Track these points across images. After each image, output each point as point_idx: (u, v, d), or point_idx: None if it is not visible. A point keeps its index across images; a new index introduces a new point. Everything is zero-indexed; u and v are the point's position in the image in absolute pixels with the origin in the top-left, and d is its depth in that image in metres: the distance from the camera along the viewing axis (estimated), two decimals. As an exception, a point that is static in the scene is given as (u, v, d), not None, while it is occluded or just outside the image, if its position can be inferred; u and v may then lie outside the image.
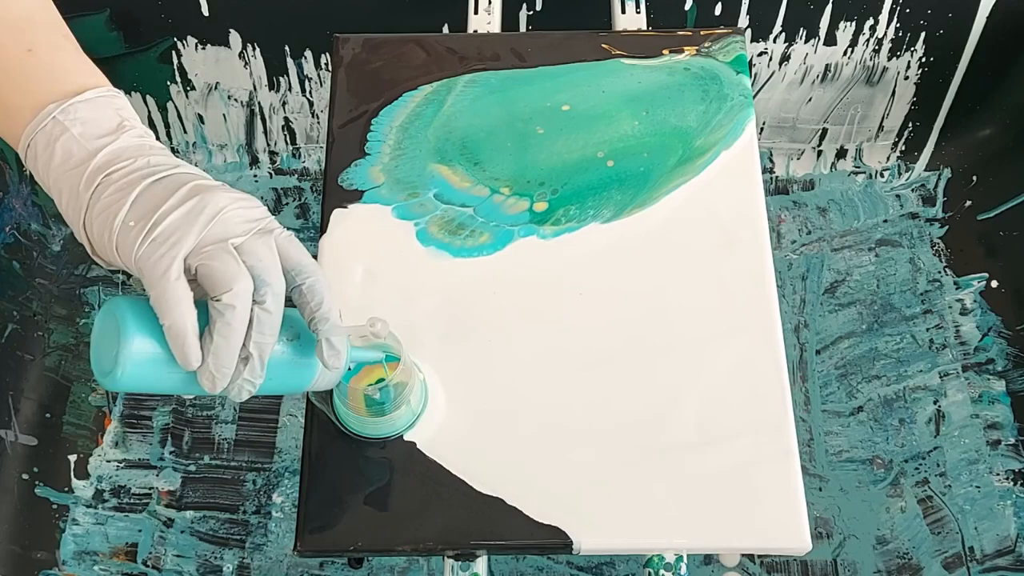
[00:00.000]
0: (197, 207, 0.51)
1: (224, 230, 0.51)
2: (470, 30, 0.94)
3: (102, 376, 0.52)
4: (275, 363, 0.55)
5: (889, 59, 1.24)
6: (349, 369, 0.68)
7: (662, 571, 0.67)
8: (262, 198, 1.33)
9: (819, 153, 1.35)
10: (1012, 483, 1.14)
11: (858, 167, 1.35)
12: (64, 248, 1.28)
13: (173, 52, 1.23)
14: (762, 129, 1.33)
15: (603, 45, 0.86)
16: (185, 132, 1.32)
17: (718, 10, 1.18)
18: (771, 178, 1.35)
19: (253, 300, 0.51)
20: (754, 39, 1.22)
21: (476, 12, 0.95)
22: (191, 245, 0.51)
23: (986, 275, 1.26)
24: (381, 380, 0.65)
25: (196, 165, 1.37)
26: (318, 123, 1.32)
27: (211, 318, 0.51)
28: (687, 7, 1.17)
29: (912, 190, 1.33)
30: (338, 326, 0.56)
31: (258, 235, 0.53)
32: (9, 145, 0.57)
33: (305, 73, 1.26)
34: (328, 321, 0.55)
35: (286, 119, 1.32)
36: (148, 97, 1.28)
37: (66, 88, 0.55)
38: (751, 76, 1.11)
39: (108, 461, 1.18)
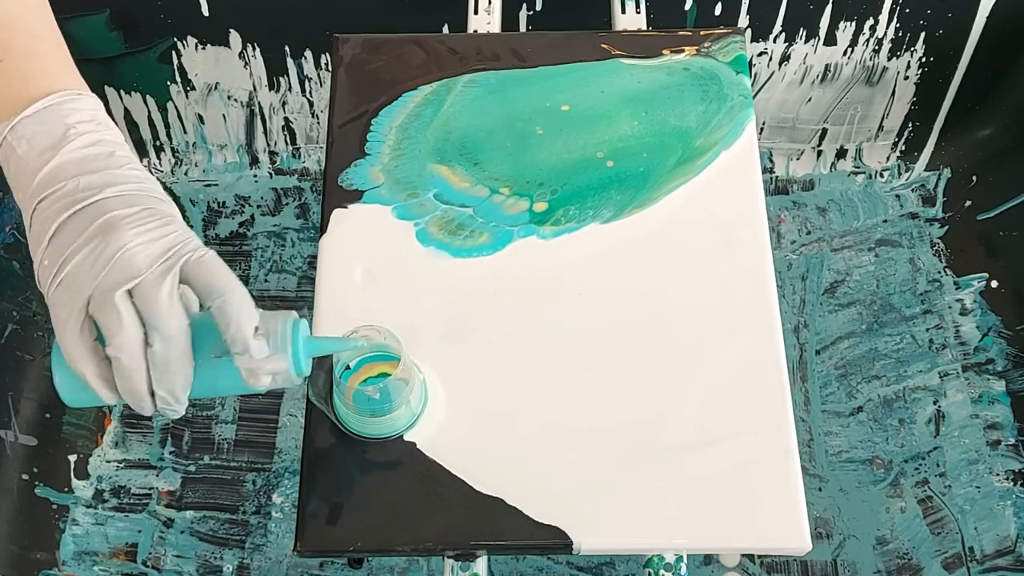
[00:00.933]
0: (97, 250, 0.51)
1: (120, 274, 0.51)
2: (470, 30, 0.94)
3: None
4: (212, 373, 0.55)
5: (889, 59, 1.24)
6: (348, 368, 0.68)
7: (662, 571, 0.67)
8: (262, 198, 1.33)
9: (819, 153, 1.35)
10: (1012, 483, 1.14)
11: (858, 167, 1.35)
12: (64, 248, 1.28)
13: (173, 52, 1.23)
14: (762, 129, 1.33)
15: (603, 45, 0.86)
16: (185, 132, 1.32)
17: (718, 10, 1.18)
18: (771, 178, 1.35)
19: (146, 343, 0.52)
20: (754, 39, 1.22)
21: (476, 12, 0.95)
22: (88, 293, 0.51)
23: (986, 275, 1.26)
24: (380, 377, 0.66)
25: (196, 165, 1.38)
26: (318, 123, 1.32)
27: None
28: (687, 7, 1.17)
29: (912, 190, 1.33)
30: (248, 345, 0.53)
31: (159, 274, 0.52)
32: None
33: (305, 73, 1.26)
34: (236, 343, 0.53)
35: (286, 119, 1.32)
36: (148, 97, 1.28)
37: (24, 98, 0.55)
38: (751, 76, 1.11)
39: (108, 461, 1.18)
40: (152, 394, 0.53)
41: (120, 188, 0.54)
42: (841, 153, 1.35)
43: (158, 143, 1.33)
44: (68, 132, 0.54)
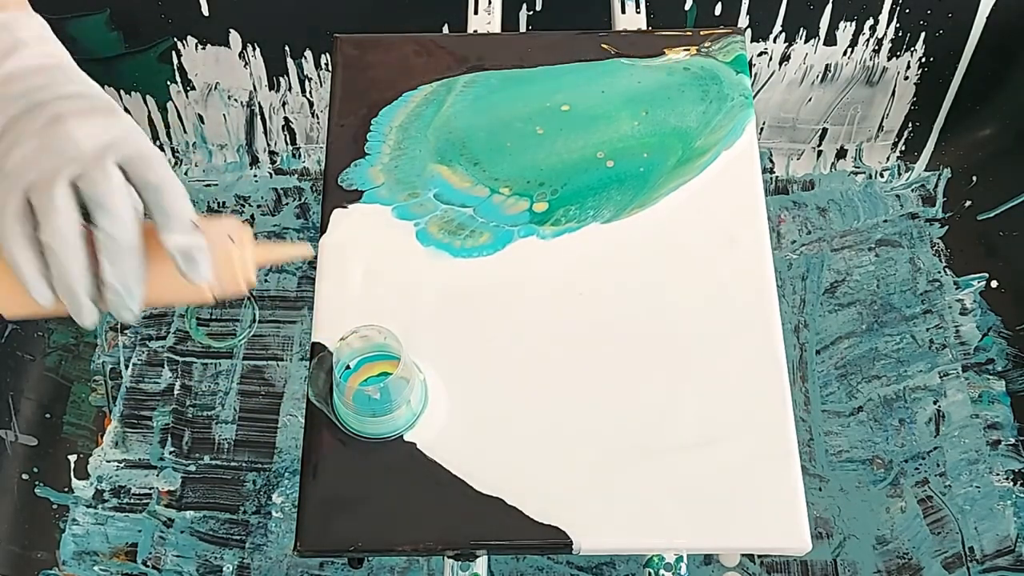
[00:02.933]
0: (43, 140, 0.51)
1: (62, 160, 0.51)
2: (470, 30, 0.94)
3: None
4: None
5: (889, 59, 1.24)
6: (348, 368, 0.68)
7: (662, 571, 0.67)
8: (262, 198, 1.33)
9: (819, 153, 1.35)
10: (1012, 483, 1.14)
11: (858, 167, 1.35)
12: (64, 248, 1.28)
13: (173, 52, 1.23)
14: (762, 129, 1.33)
15: (603, 45, 0.86)
16: (185, 132, 1.32)
17: (718, 10, 1.18)
18: (771, 178, 1.35)
19: (95, 226, 0.51)
20: (754, 39, 1.22)
21: (476, 12, 0.95)
22: (30, 179, 0.51)
23: (986, 275, 1.26)
24: (380, 377, 0.66)
25: (196, 165, 1.38)
26: (318, 123, 1.32)
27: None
28: (687, 7, 1.17)
29: (912, 190, 1.33)
30: (188, 238, 0.53)
31: (101, 159, 0.52)
32: None
33: (305, 73, 1.26)
34: (172, 232, 0.53)
35: (286, 119, 1.32)
36: (148, 97, 1.28)
37: None
38: (751, 76, 1.11)
39: (108, 461, 1.18)
40: (91, 295, 0.52)
41: (70, 88, 0.54)
42: (841, 153, 1.35)
43: (158, 143, 1.33)
44: (16, 44, 0.55)
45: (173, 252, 0.53)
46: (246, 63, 1.24)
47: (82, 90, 0.55)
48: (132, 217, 0.52)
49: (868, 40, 1.22)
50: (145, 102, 1.28)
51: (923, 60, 1.24)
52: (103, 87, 1.34)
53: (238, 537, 1.14)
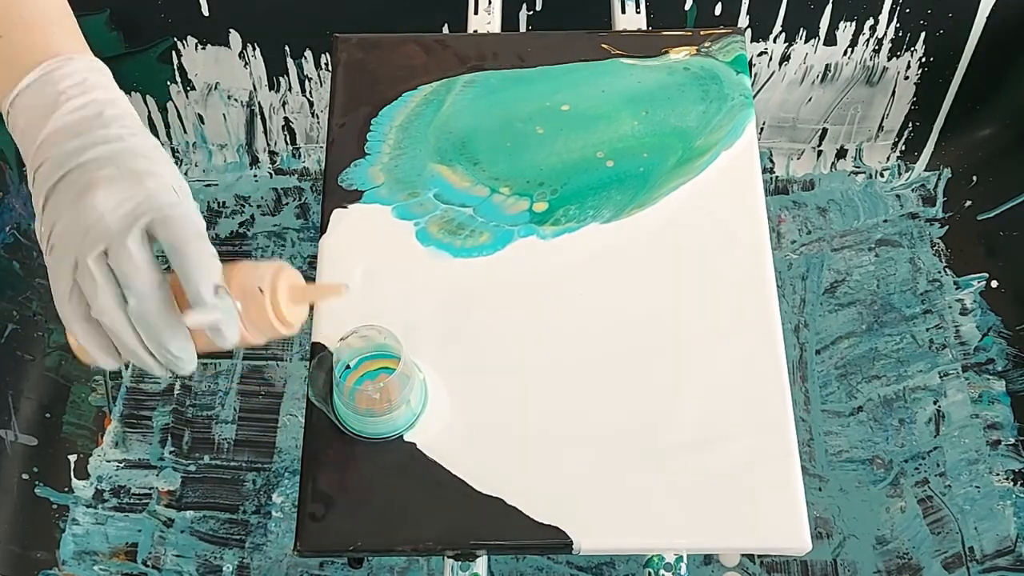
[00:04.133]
0: (79, 215, 0.52)
1: (96, 239, 0.52)
2: (470, 30, 0.94)
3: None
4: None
5: (889, 59, 1.24)
6: (348, 368, 0.68)
7: (662, 571, 0.67)
8: (262, 198, 1.33)
9: (819, 153, 1.35)
10: (1012, 483, 1.14)
11: (858, 167, 1.35)
12: (64, 248, 1.28)
13: (173, 52, 1.23)
14: (762, 129, 1.33)
15: (603, 45, 0.86)
16: (185, 132, 1.32)
17: (718, 10, 1.18)
18: (771, 178, 1.35)
19: (125, 301, 0.52)
20: (754, 39, 1.22)
21: (476, 12, 0.95)
22: (72, 262, 0.52)
23: (986, 275, 1.26)
24: (382, 372, 0.66)
25: (196, 165, 1.38)
26: (318, 123, 1.32)
27: None
28: (687, 7, 1.17)
29: (912, 190, 1.33)
30: (206, 307, 0.53)
31: (123, 233, 0.52)
32: (8, 144, 0.57)
33: (305, 73, 1.26)
34: (197, 302, 0.53)
35: (286, 119, 1.32)
36: (148, 97, 1.28)
37: (18, 74, 0.56)
38: (751, 76, 1.11)
39: (108, 461, 1.18)
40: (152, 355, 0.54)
41: (100, 150, 0.54)
42: (841, 153, 1.35)
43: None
44: (58, 99, 0.55)
45: (195, 326, 0.54)
46: (246, 63, 1.24)
47: (112, 150, 0.54)
48: (157, 289, 0.53)
49: (868, 40, 1.22)
50: (145, 102, 1.28)
51: (923, 60, 1.24)
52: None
53: (238, 537, 1.14)
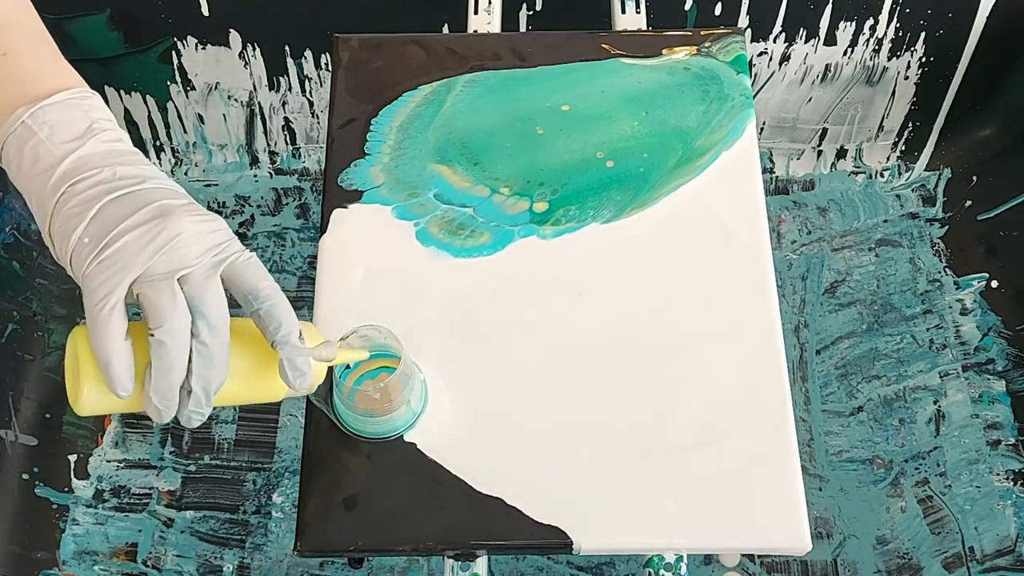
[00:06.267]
0: (153, 231, 0.51)
1: (175, 260, 0.51)
2: (470, 30, 0.94)
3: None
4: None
5: (889, 59, 1.24)
6: (347, 368, 0.68)
7: (662, 571, 0.67)
8: (262, 198, 1.33)
9: (819, 153, 1.35)
10: (1012, 483, 1.14)
11: (858, 167, 1.35)
12: (64, 248, 1.28)
13: (173, 52, 1.23)
14: (762, 129, 1.33)
15: (603, 45, 0.86)
16: (185, 132, 1.32)
17: (718, 10, 1.18)
18: (771, 178, 1.35)
19: (192, 334, 0.51)
20: (754, 39, 1.22)
21: (476, 12, 0.95)
22: (137, 273, 0.51)
23: (986, 275, 1.26)
24: (382, 372, 0.66)
25: (196, 165, 1.38)
26: (318, 123, 1.32)
27: (149, 352, 0.51)
28: (687, 7, 1.17)
29: (912, 190, 1.33)
30: (298, 347, 0.55)
31: (210, 266, 0.52)
32: None
33: (305, 73, 1.26)
34: (288, 344, 0.55)
35: (286, 119, 1.32)
36: (148, 97, 1.28)
37: (37, 91, 0.55)
38: (751, 76, 1.11)
39: (108, 461, 1.18)
40: (179, 392, 0.52)
41: (159, 182, 0.54)
42: (841, 153, 1.35)
43: (158, 143, 1.33)
44: (92, 126, 0.55)
45: (284, 363, 0.55)
46: (246, 63, 1.24)
47: (169, 185, 0.55)
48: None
49: (868, 40, 1.22)
50: (145, 102, 1.28)
51: (923, 60, 1.24)
52: (103, 88, 1.34)
53: (238, 537, 1.14)
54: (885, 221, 1.31)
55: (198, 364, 0.52)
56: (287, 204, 1.33)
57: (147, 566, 1.13)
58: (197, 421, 0.54)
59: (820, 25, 1.21)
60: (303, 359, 0.56)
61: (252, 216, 1.32)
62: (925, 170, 1.34)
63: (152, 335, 0.51)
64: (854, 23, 1.20)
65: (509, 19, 1.19)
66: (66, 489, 1.16)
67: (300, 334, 0.56)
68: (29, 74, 0.56)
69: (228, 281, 0.54)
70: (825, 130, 1.33)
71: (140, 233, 0.51)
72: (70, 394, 0.54)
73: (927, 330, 1.24)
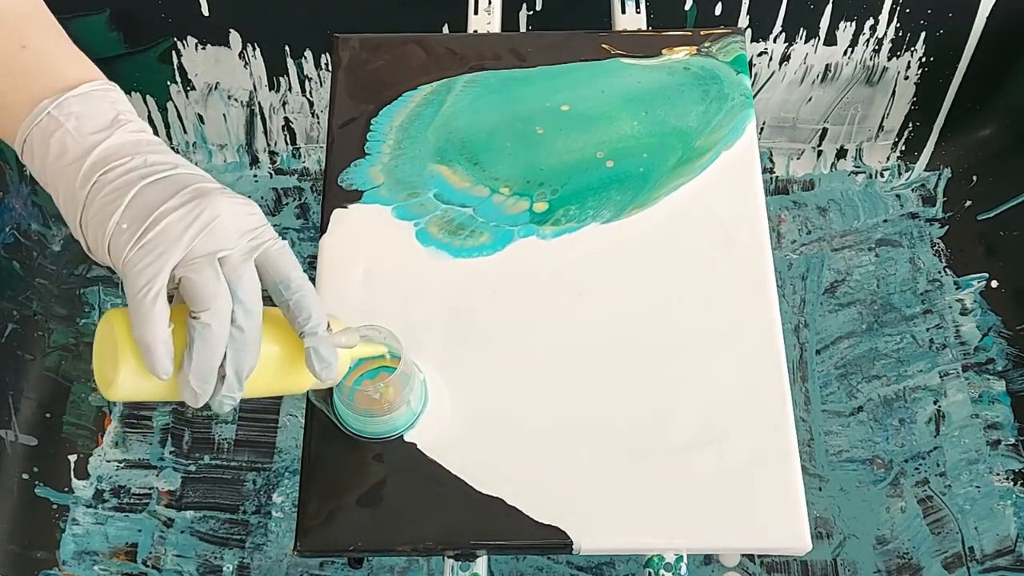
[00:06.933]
0: (193, 212, 0.51)
1: (214, 242, 0.51)
2: (470, 30, 0.94)
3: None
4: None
5: (889, 59, 1.24)
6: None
7: (662, 571, 0.67)
8: (262, 198, 1.33)
9: (819, 153, 1.35)
10: (1012, 483, 1.14)
11: (858, 167, 1.35)
12: (64, 248, 1.28)
13: (173, 52, 1.23)
14: (762, 129, 1.33)
15: (603, 45, 0.86)
16: (185, 132, 1.32)
17: (718, 10, 1.18)
18: (771, 178, 1.35)
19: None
20: (754, 39, 1.22)
21: (476, 12, 0.95)
22: (179, 257, 0.50)
23: (986, 275, 1.26)
24: (382, 372, 0.66)
25: (196, 165, 1.38)
26: (318, 123, 1.32)
27: (189, 334, 0.51)
28: (687, 7, 1.17)
29: (912, 190, 1.33)
30: (326, 338, 0.56)
31: (247, 250, 0.52)
32: (8, 146, 0.57)
33: (305, 73, 1.26)
34: (316, 335, 0.55)
35: (286, 119, 1.32)
36: (148, 97, 1.28)
37: (60, 83, 0.54)
38: (751, 76, 1.11)
39: (108, 461, 1.18)
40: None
41: (189, 168, 0.54)
42: (841, 153, 1.35)
43: (158, 143, 1.33)
44: (119, 117, 0.54)
45: (311, 353, 0.55)
46: (246, 63, 1.24)
47: (201, 172, 0.55)
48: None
49: (868, 40, 1.22)
50: (145, 102, 1.28)
51: (923, 60, 1.24)
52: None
53: (238, 537, 1.14)
54: (885, 221, 1.31)
55: (232, 348, 0.52)
56: (287, 204, 1.33)
57: (147, 566, 1.13)
58: (229, 406, 0.54)
59: (820, 25, 1.21)
60: (329, 350, 0.56)
61: (252, 216, 1.32)
62: (925, 170, 1.34)
63: (197, 318, 0.50)
64: (854, 23, 1.20)
65: (509, 19, 1.19)
66: (66, 489, 1.16)
67: (328, 326, 0.56)
68: (49, 66, 0.55)
69: (260, 267, 0.54)
70: (825, 130, 1.33)
71: (180, 215, 0.51)
72: (101, 379, 0.53)
73: (927, 330, 1.24)
